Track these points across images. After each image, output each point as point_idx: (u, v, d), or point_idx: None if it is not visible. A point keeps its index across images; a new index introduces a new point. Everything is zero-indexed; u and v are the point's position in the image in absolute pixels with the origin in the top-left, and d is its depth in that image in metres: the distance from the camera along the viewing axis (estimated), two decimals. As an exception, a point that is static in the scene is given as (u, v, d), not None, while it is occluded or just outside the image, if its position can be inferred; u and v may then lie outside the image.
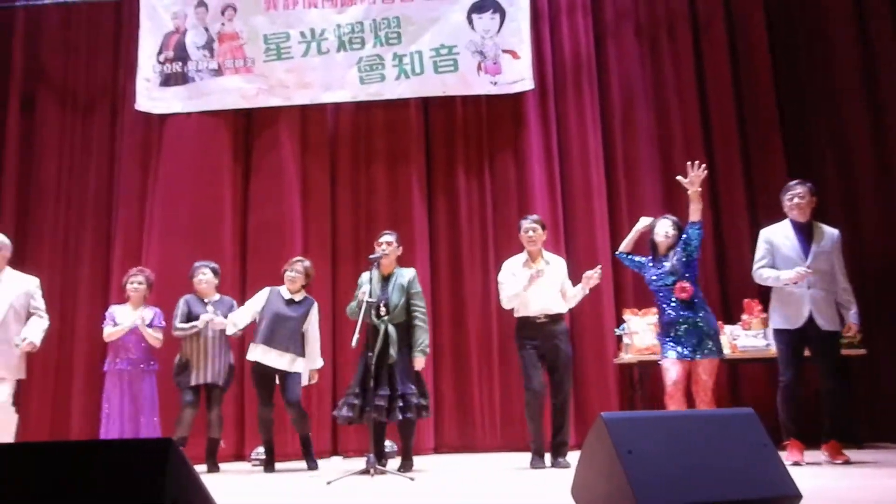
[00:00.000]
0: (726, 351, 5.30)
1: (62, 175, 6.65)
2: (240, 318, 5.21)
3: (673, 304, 4.49)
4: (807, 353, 4.51)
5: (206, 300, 5.35)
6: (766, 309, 4.88)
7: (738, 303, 5.79)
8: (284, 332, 5.07)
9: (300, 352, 5.11)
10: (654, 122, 6.49)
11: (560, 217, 6.33)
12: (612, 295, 6.15)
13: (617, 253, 4.94)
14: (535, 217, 4.98)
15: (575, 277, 6.02)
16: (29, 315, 4.92)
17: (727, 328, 5.54)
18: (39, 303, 4.98)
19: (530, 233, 4.85)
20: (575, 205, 6.37)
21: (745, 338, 5.49)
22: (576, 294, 4.80)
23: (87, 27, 6.86)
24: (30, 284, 4.98)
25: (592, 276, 4.66)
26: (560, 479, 3.85)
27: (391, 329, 4.61)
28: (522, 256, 4.94)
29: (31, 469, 2.07)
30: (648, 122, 6.49)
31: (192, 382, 5.17)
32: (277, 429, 5.32)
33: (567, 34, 6.59)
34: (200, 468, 5.14)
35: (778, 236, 4.55)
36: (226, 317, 5.26)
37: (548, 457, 4.78)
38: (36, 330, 4.87)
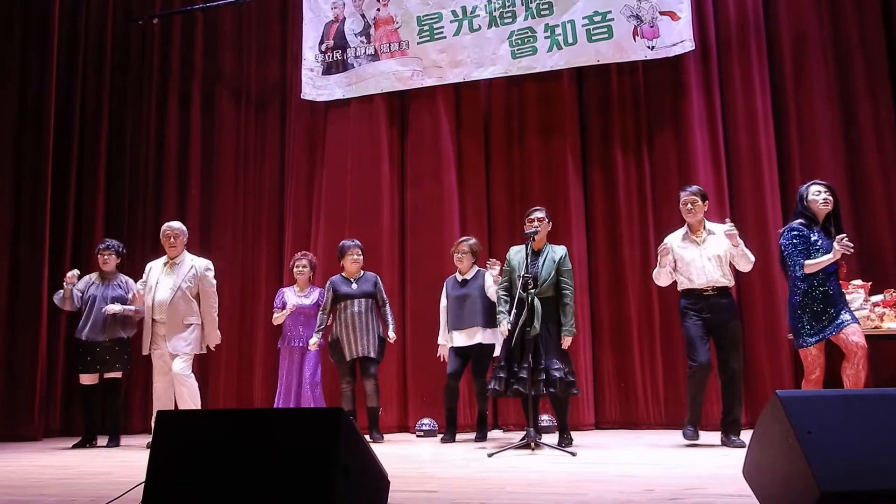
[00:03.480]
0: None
1: (239, 165, 7.17)
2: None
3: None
4: None
5: (351, 279, 5.60)
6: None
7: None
8: (466, 311, 5.31)
9: (486, 322, 5.29)
10: (832, 77, 5.90)
11: (725, 187, 5.94)
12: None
13: None
14: (694, 188, 4.78)
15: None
16: (198, 297, 5.41)
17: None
18: (210, 282, 5.46)
19: (689, 205, 4.68)
20: (742, 173, 5.96)
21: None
22: (736, 253, 4.56)
23: (256, 24, 7.32)
24: (201, 266, 5.45)
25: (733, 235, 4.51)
26: (731, 458, 3.69)
27: (537, 303, 4.60)
28: (683, 230, 4.77)
29: (220, 432, 2.27)
30: (825, 78, 5.90)
31: (347, 358, 5.44)
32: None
33: (732, -14, 6.15)
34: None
35: None
36: (370, 293, 5.53)
37: (718, 435, 4.60)
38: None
